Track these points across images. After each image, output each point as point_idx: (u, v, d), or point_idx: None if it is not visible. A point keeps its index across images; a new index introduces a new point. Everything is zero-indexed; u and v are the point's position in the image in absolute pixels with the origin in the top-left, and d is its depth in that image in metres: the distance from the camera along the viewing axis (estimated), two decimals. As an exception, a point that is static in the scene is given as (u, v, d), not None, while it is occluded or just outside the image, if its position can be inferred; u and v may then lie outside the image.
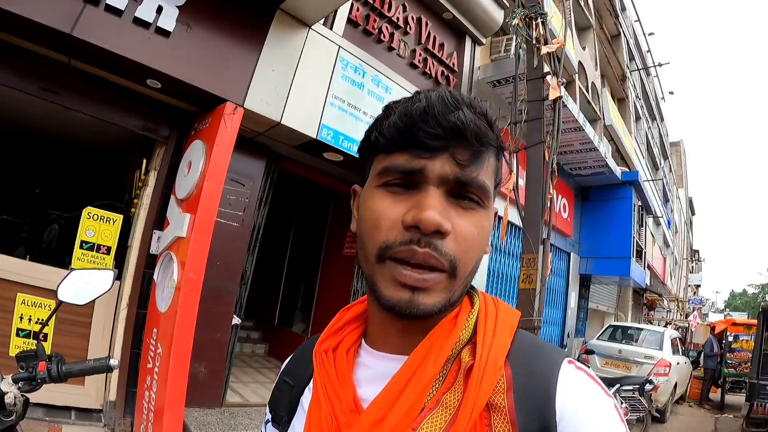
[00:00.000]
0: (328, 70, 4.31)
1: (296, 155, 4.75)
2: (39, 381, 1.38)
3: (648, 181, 14.29)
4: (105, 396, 3.75)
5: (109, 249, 3.85)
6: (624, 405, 5.16)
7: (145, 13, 3.23)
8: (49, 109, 4.20)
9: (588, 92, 10.26)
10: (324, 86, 4.26)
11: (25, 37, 3.19)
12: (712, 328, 13.12)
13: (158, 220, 3.92)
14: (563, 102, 6.35)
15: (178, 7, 3.35)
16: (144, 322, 3.77)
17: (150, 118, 3.93)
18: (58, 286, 1.48)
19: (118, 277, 3.89)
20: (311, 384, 0.66)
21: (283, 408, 0.71)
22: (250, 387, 5.16)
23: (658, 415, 7.63)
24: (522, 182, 5.10)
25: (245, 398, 4.67)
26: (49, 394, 3.06)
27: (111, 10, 3.11)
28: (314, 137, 4.18)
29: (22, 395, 1.41)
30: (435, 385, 0.55)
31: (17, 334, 3.48)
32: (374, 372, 0.62)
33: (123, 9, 3.14)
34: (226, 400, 4.32)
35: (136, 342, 3.76)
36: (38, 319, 3.47)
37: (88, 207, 3.85)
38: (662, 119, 24.80)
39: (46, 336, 3.41)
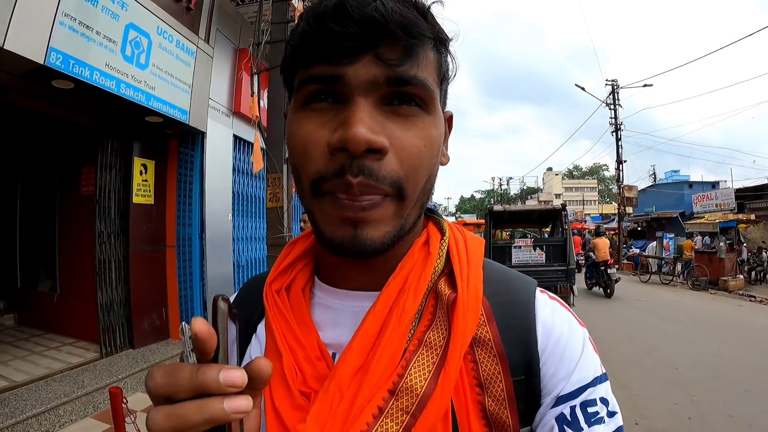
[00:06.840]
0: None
1: (20, 84, 3.85)
2: None
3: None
4: None
5: None
6: None
7: None
8: None
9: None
10: (53, 2, 3.47)
11: None
12: (448, 229, 15.91)
13: None
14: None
15: None
16: None
17: None
18: None
19: None
20: (264, 322, 0.57)
21: None
22: (11, 366, 4.46)
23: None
24: (264, 103, 5.04)
25: (11, 379, 4.08)
26: None
27: None
28: (42, 63, 3.45)
29: None
30: (413, 322, 0.50)
31: None
32: (336, 312, 0.55)
33: None
34: (-9, 390, 3.68)
35: None
36: None
37: None
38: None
39: None
